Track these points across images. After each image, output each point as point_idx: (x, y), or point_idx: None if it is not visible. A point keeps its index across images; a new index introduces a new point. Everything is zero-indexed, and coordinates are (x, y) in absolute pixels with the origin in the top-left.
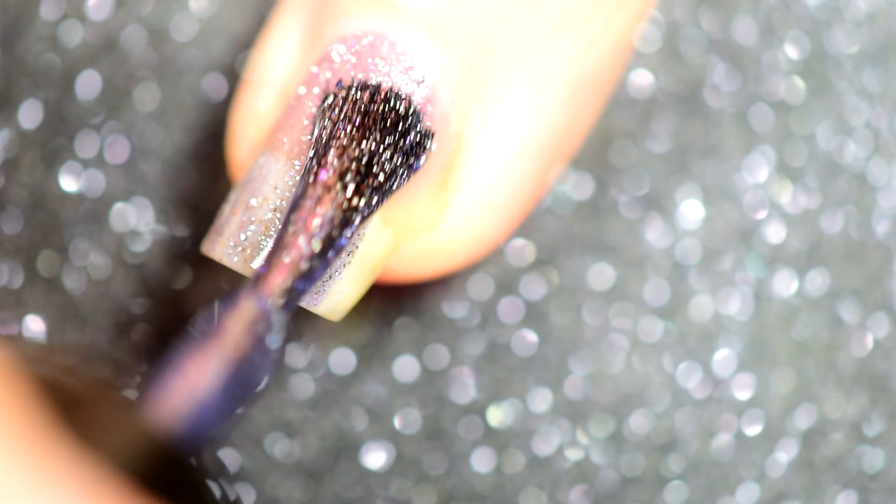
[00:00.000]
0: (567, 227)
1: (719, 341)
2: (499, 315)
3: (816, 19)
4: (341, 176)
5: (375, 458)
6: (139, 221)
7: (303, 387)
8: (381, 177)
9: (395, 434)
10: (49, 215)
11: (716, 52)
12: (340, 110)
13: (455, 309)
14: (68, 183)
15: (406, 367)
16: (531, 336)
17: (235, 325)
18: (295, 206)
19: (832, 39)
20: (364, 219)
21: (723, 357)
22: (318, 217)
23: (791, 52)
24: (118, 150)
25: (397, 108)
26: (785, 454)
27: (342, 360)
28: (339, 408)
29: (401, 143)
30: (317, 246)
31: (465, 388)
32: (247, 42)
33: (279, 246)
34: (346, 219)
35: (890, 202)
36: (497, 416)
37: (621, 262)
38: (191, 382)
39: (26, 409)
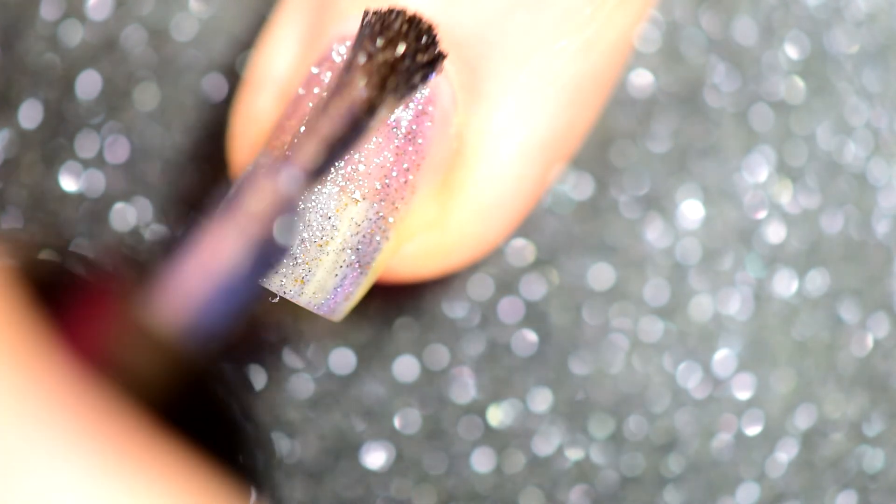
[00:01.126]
0: (567, 227)
1: (719, 341)
2: (499, 315)
3: (816, 19)
4: (377, 69)
5: (375, 458)
6: (139, 221)
7: (303, 387)
8: (403, 84)
9: (395, 434)
10: (49, 215)
11: (716, 52)
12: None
13: (455, 309)
14: (68, 183)
15: (406, 367)
16: (531, 336)
17: (256, 201)
18: (331, 93)
19: (832, 39)
20: (379, 116)
21: (723, 357)
22: (347, 102)
23: (791, 52)
24: (118, 150)
25: (421, 25)
26: (785, 454)
27: (342, 360)
28: (339, 408)
29: (420, 59)
30: (342, 130)
31: (465, 388)
32: (247, 42)
33: (308, 127)
34: (372, 107)
35: (890, 202)
36: (497, 416)
37: (621, 262)
38: (207, 262)
39: (14, 315)
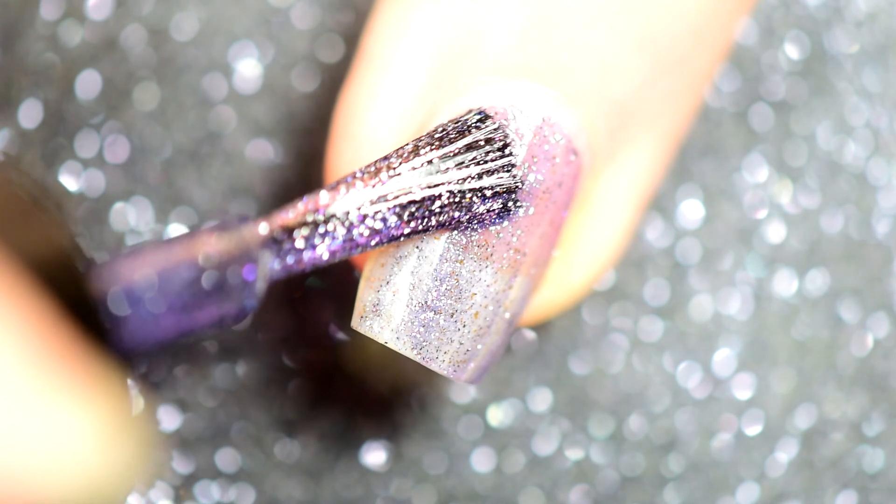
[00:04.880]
0: None
1: (719, 341)
2: None
3: (816, 19)
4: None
5: (375, 457)
6: (139, 221)
7: (303, 387)
8: (437, 203)
9: (395, 434)
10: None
11: None
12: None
13: None
14: (68, 182)
15: (407, 367)
16: (531, 336)
17: (221, 241)
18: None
19: (832, 39)
20: (405, 233)
21: (723, 357)
22: (360, 193)
23: (791, 52)
24: (118, 150)
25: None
26: (785, 454)
27: (343, 360)
28: (339, 408)
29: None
30: (352, 215)
31: (465, 388)
32: (246, 42)
33: (306, 201)
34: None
35: (890, 202)
36: (497, 416)
37: (621, 261)
38: (142, 265)
39: None
